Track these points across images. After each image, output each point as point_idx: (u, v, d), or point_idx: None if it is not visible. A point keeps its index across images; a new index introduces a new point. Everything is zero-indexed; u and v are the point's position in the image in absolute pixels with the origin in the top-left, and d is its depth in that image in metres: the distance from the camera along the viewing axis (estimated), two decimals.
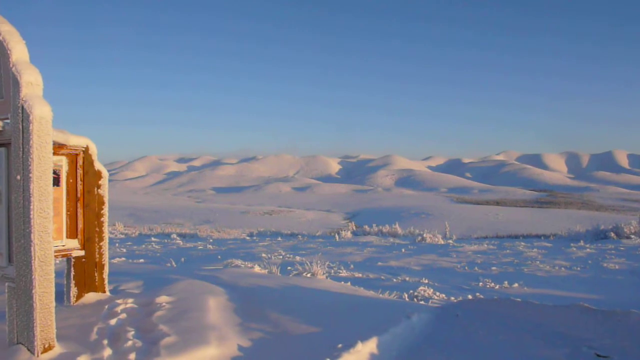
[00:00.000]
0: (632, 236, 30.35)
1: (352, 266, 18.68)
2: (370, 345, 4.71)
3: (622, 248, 26.26)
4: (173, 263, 14.36)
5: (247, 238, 36.32)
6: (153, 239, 31.84)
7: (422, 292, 12.40)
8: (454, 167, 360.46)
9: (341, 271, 16.96)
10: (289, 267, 12.40)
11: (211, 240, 32.10)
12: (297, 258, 18.58)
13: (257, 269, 10.02)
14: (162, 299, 5.64)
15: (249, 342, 4.75)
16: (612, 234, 31.66)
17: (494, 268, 18.97)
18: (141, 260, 15.51)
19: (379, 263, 19.90)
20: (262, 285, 7.49)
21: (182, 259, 17.53)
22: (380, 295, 8.65)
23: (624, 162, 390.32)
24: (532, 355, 4.91)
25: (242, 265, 10.35)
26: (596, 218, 65.76)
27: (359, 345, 4.55)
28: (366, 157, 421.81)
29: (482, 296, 10.85)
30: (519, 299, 5.95)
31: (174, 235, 34.61)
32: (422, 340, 5.30)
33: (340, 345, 4.53)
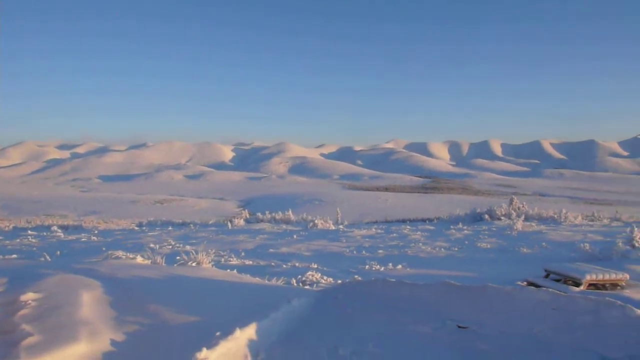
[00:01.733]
0: (502, 218, 33.09)
1: (243, 253, 18.63)
2: (249, 332, 4.75)
3: (494, 229, 28.52)
4: (47, 257, 13.45)
5: (136, 228, 34.93)
6: (30, 232, 29.62)
7: (310, 276, 12.67)
8: (346, 154, 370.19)
9: (232, 259, 16.86)
10: (177, 257, 12.12)
11: (96, 232, 30.50)
12: (187, 247, 18.19)
13: (139, 259, 9.68)
14: (29, 297, 5.28)
15: (123, 336, 4.59)
16: (487, 216, 34.28)
17: (380, 251, 19.81)
18: (13, 256, 14.36)
19: (271, 250, 20.02)
20: (143, 277, 7.26)
21: (58, 253, 16.50)
22: (267, 281, 8.72)
23: (498, 150, 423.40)
24: (403, 331, 5.22)
25: (124, 257, 9.93)
26: (473, 202, 70.86)
27: (237, 332, 4.57)
28: (260, 144, 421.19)
29: (360, 278, 11.32)
30: (393, 280, 6.28)
31: (55, 228, 32.46)
32: (301, 323, 5.44)
33: (218, 333, 4.52)
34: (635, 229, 17.55)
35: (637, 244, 16.89)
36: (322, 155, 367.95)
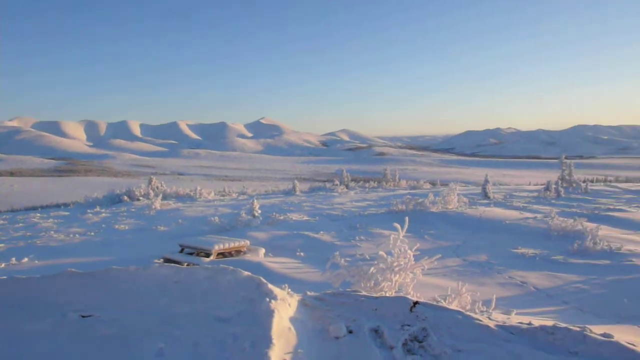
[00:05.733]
0: (141, 198, 33.26)
1: None
2: None
3: (133, 209, 28.40)
4: None
5: None
6: None
7: None
8: None
9: None
10: None
11: None
12: None
13: None
14: None
15: None
16: (126, 197, 33.85)
17: (1, 245, 17.45)
18: None
19: None
20: None
21: None
22: None
23: (137, 131, 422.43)
24: (18, 333, 4.65)
25: None
26: (113, 184, 69.01)
27: None
28: None
29: None
30: (4, 277, 5.54)
31: None
32: None
33: None
34: (255, 201, 20.02)
35: (256, 214, 19.29)
36: None
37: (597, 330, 4.96)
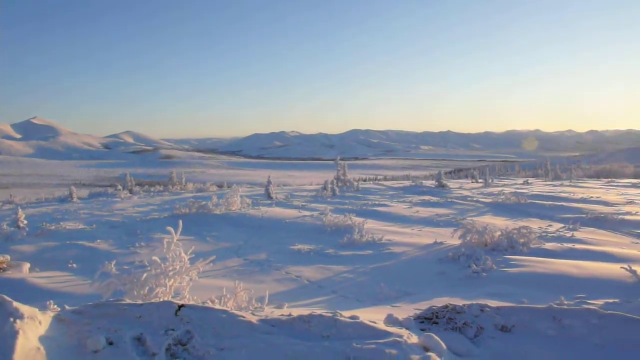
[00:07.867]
0: None
1: None
2: None
3: None
4: None
5: None
6: None
7: None
8: None
9: None
10: None
11: None
12: None
13: None
14: None
15: None
16: None
17: None
18: None
19: None
20: None
21: None
22: None
23: None
24: None
25: None
26: None
27: None
28: None
29: None
30: None
31: None
32: None
33: None
34: (20, 210, 17.88)
35: (22, 224, 17.27)
36: None
37: (346, 314, 5.58)
